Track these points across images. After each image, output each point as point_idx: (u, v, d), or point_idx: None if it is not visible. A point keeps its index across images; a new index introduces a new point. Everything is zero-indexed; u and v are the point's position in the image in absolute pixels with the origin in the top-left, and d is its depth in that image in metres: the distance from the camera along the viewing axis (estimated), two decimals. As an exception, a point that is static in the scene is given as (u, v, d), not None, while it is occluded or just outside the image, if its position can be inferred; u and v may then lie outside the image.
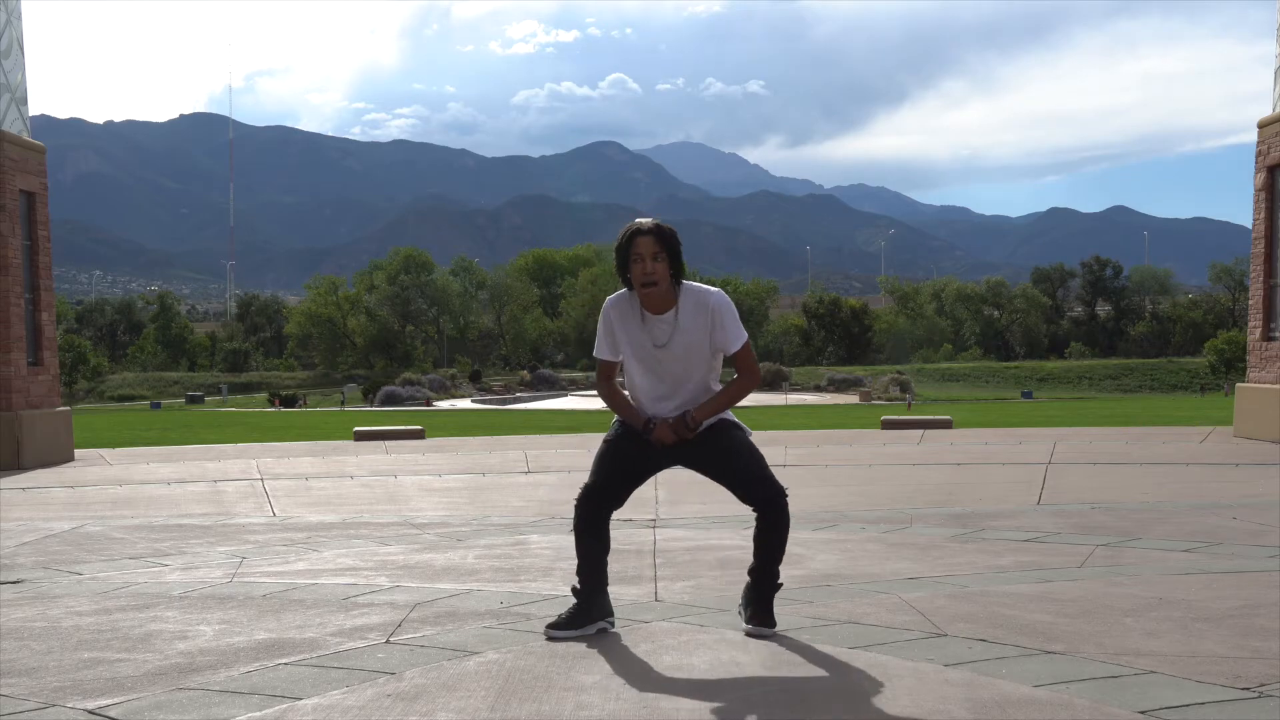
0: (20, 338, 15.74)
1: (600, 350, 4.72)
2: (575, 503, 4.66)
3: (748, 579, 4.72)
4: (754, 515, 4.62)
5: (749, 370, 4.68)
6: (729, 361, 4.72)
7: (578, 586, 4.68)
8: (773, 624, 4.63)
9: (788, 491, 4.58)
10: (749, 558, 6.62)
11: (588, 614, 4.65)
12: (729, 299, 4.61)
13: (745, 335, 4.62)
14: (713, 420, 4.63)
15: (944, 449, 15.24)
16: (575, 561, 4.72)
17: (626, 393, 4.81)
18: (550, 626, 4.64)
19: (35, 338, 16.32)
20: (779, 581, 4.67)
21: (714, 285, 4.70)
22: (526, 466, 13.62)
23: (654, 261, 4.48)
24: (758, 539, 4.61)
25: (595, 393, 4.83)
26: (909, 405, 45.72)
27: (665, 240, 4.50)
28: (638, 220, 4.60)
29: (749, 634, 4.59)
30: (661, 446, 4.61)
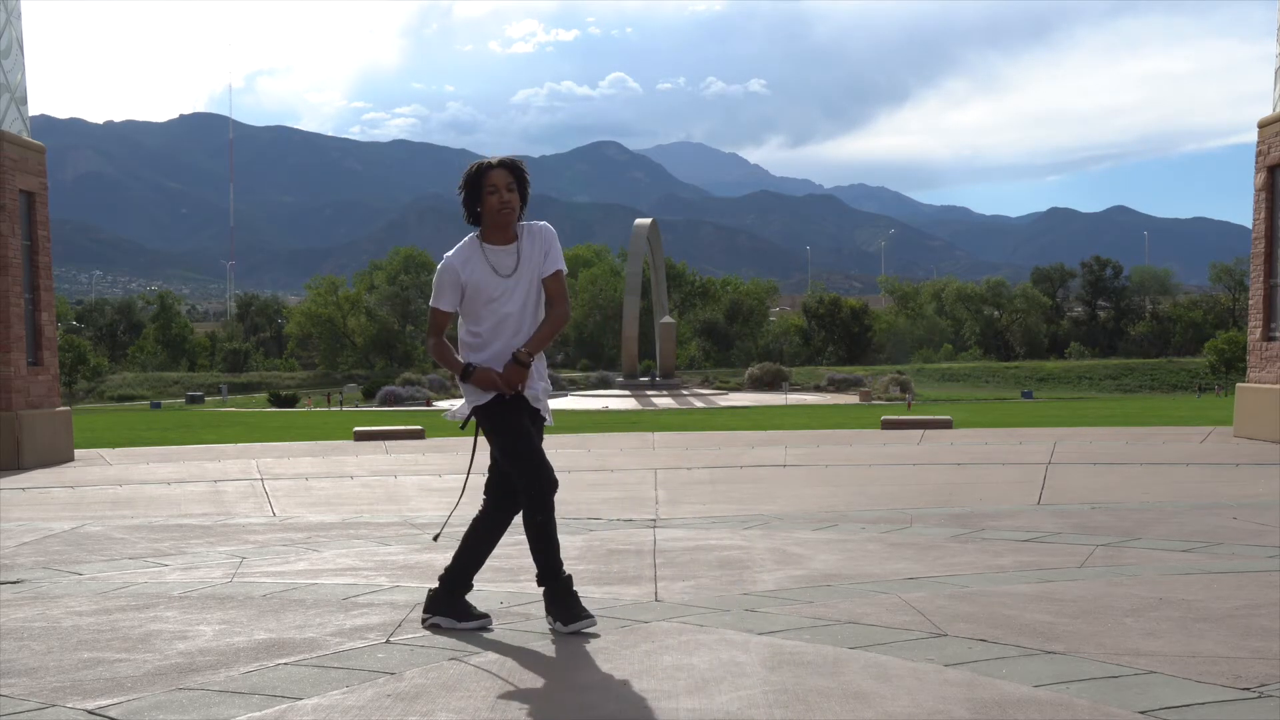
0: (20, 338, 15.74)
1: (441, 300, 4.74)
2: (541, 497, 4.67)
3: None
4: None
5: (562, 298, 4.79)
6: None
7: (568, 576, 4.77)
8: (587, 615, 4.70)
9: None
10: (749, 558, 6.63)
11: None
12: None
13: (565, 266, 4.80)
14: (544, 400, 4.75)
15: (944, 449, 15.24)
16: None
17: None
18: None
19: (35, 338, 16.32)
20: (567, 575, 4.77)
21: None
22: (526, 466, 13.60)
23: (508, 192, 4.64)
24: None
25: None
26: (909, 405, 45.70)
27: (517, 174, 4.68)
28: (484, 159, 4.74)
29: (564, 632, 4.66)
30: (511, 391, 4.66)
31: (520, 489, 4.70)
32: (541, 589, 4.78)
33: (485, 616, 4.82)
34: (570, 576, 4.77)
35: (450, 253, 4.76)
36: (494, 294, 4.66)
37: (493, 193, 4.64)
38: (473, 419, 4.76)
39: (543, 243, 4.74)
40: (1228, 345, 70.67)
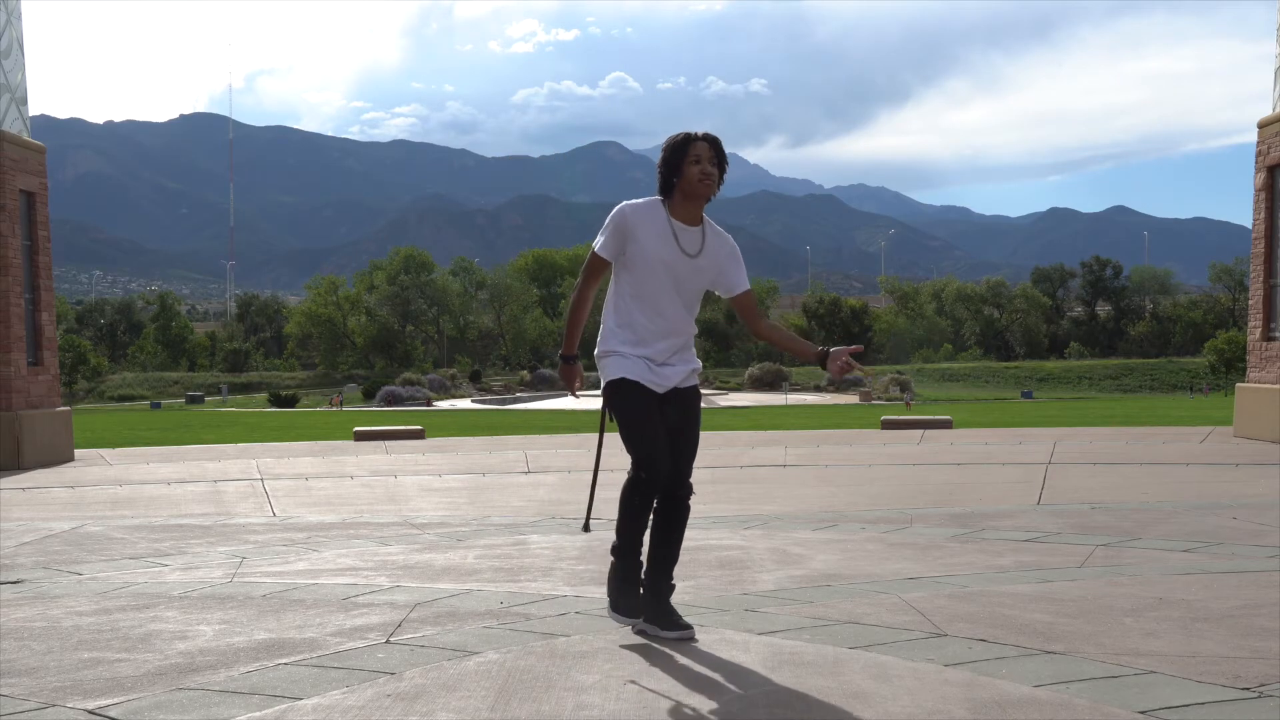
0: (20, 338, 15.74)
1: (604, 247, 4.41)
2: (646, 485, 4.44)
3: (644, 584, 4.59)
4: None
5: (763, 312, 4.71)
6: (703, 311, 4.68)
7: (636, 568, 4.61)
8: (686, 625, 4.52)
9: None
10: (749, 558, 6.62)
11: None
12: None
13: None
14: (693, 380, 4.57)
15: (944, 449, 15.24)
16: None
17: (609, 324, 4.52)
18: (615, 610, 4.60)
19: (35, 338, 16.32)
20: (672, 583, 4.62)
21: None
22: (526, 467, 13.61)
23: (711, 165, 4.39)
24: (660, 533, 4.56)
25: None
26: (909, 405, 45.70)
27: (719, 150, 4.44)
28: (690, 130, 4.50)
29: (659, 638, 4.49)
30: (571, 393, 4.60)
31: (631, 466, 4.47)
32: (606, 584, 4.68)
33: (688, 627, 4.50)
34: (673, 586, 4.61)
35: (632, 203, 4.45)
36: (676, 269, 4.38)
37: (695, 162, 4.35)
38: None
39: (733, 252, 4.51)
40: (1228, 345, 70.66)
